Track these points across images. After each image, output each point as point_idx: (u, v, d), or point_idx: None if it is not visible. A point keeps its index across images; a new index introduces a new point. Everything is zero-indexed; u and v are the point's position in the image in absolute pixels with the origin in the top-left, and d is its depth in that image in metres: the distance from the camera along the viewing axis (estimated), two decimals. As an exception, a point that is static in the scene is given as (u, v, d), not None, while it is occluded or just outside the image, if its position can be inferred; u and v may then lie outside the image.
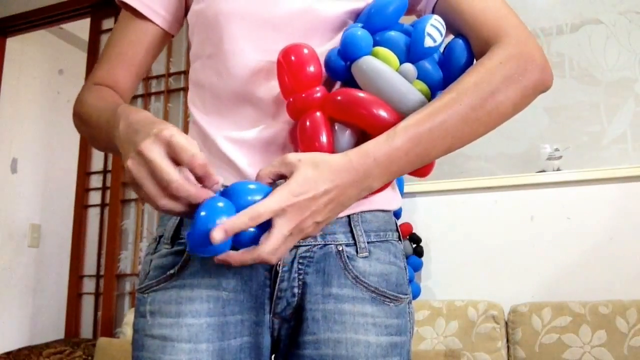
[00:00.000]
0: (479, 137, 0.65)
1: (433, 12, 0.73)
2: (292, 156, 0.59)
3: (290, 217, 0.56)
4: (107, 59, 0.80)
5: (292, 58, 0.65)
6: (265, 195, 0.56)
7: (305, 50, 0.66)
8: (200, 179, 0.54)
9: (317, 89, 0.66)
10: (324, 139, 0.64)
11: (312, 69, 0.65)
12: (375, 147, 0.60)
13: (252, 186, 0.58)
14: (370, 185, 0.61)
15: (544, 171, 1.98)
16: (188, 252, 0.68)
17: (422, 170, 0.70)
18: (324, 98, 0.66)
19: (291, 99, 0.66)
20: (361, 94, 0.64)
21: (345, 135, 0.65)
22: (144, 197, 0.54)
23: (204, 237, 0.52)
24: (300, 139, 0.65)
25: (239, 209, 0.54)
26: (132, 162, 0.54)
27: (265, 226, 0.56)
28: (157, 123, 0.56)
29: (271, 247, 0.55)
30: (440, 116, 0.61)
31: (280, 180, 0.59)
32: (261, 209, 0.54)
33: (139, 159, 0.53)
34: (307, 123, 0.64)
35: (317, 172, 0.58)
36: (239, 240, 0.55)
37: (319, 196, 0.57)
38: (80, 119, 0.76)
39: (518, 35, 0.66)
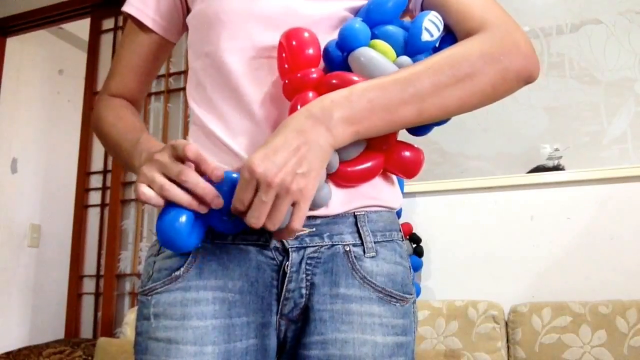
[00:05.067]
0: (454, 113, 0.65)
1: (422, 9, 0.74)
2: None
3: (265, 178, 0.56)
4: (117, 71, 0.87)
5: (293, 40, 0.66)
6: None
7: (306, 34, 0.66)
8: (199, 170, 0.60)
9: (313, 70, 0.66)
10: None
11: (310, 51, 0.66)
12: (335, 92, 0.62)
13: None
14: (336, 122, 0.60)
15: (539, 168, 1.98)
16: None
17: (408, 170, 0.69)
18: (319, 80, 0.66)
19: (287, 80, 0.67)
20: (356, 79, 0.64)
21: None
22: (147, 194, 0.60)
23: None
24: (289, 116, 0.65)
25: None
26: (146, 166, 0.61)
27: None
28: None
29: (255, 214, 0.57)
30: (410, 76, 0.62)
31: None
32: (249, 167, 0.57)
33: (151, 162, 0.61)
34: (299, 101, 0.64)
35: (274, 132, 0.59)
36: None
37: (285, 153, 0.57)
38: (100, 135, 0.84)
39: (504, 25, 0.66)
